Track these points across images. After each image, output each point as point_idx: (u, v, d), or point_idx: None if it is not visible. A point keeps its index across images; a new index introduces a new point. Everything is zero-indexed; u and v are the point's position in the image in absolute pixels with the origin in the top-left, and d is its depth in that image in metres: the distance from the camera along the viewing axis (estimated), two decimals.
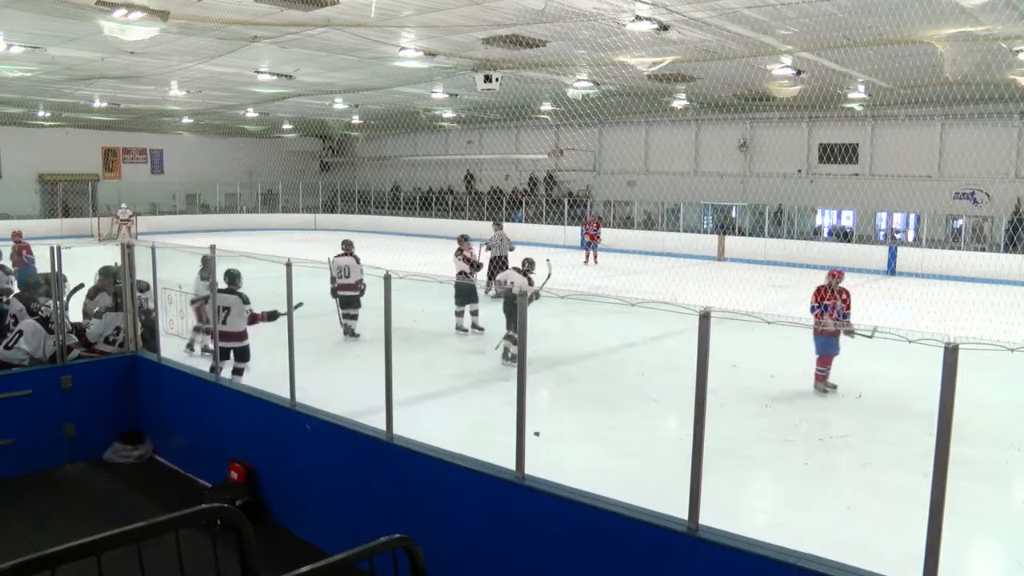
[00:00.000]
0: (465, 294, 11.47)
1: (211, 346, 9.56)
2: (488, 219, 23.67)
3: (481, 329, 11.57)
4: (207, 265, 8.28)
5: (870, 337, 4.27)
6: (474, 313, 11.62)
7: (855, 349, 10.16)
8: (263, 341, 8.99)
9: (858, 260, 20.20)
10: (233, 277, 8.33)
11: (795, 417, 7.85)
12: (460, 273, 12.30)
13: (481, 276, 13.34)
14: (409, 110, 26.13)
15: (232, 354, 8.26)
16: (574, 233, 27.22)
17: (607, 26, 11.57)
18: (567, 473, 4.58)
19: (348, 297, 11.28)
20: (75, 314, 8.35)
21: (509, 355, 9.54)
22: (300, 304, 6.17)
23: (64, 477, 6.95)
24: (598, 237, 22.94)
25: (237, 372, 8.29)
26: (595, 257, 22.69)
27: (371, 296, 10.51)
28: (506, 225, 17.04)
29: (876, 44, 12.67)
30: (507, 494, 4.50)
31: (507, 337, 9.68)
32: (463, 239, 12.93)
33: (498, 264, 14.55)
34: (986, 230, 21.90)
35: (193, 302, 9.06)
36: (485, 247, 14.68)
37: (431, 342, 10.42)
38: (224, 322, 8.12)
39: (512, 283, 9.92)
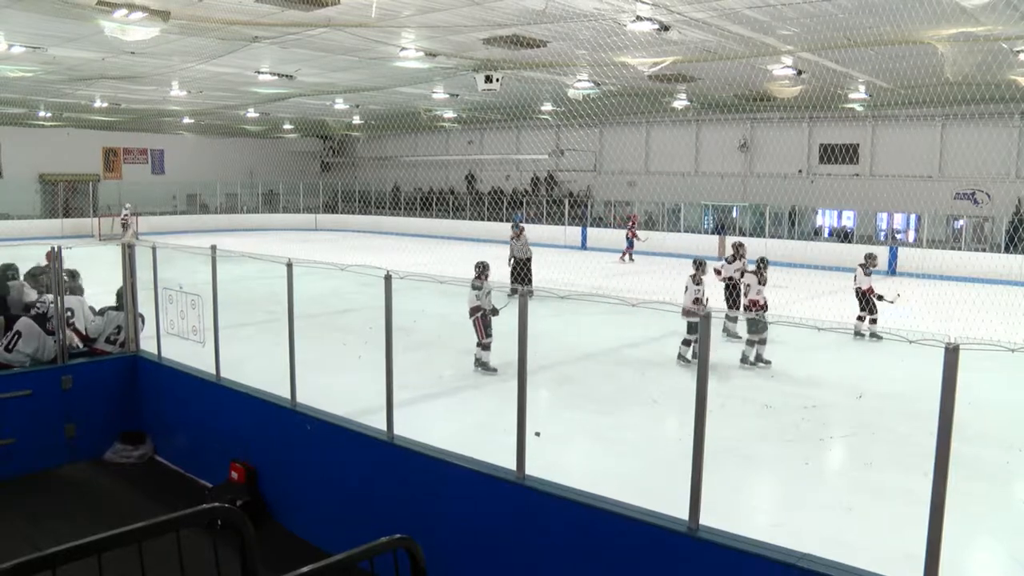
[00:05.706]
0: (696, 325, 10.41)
1: (490, 363, 9.44)
2: (489, 219, 23.74)
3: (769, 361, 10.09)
4: (480, 275, 9.44)
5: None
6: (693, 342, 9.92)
7: (856, 350, 10.17)
8: (263, 340, 9.02)
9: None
10: (701, 263, 10.27)
11: (795, 417, 7.84)
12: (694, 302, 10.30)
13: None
14: (410, 110, 26.13)
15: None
16: (574, 233, 27.23)
17: (608, 26, 11.57)
18: (567, 473, 4.58)
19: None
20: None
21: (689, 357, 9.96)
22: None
23: (64, 477, 6.95)
24: (636, 235, 23.08)
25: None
26: (630, 256, 22.80)
27: (371, 295, 10.45)
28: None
29: (877, 44, 12.67)
30: (507, 494, 4.50)
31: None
32: (700, 263, 10.56)
33: (522, 267, 14.33)
34: (987, 230, 21.88)
35: (474, 312, 9.17)
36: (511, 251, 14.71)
37: (431, 342, 10.40)
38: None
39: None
